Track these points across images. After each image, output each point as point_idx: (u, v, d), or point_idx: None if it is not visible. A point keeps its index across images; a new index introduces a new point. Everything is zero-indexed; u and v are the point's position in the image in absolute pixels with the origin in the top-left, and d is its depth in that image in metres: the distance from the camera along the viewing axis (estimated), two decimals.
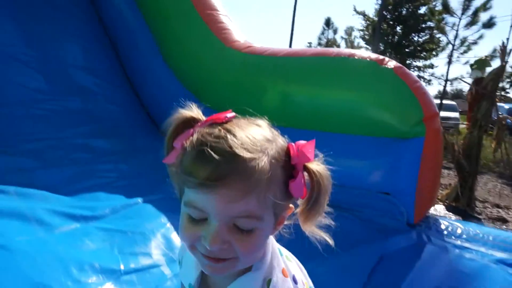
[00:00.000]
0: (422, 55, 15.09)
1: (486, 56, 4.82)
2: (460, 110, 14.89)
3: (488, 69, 4.93)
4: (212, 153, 0.52)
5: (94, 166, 1.87)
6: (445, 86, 12.83)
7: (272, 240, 0.69)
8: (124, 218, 1.50)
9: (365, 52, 2.18)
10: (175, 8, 2.74)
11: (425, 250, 1.75)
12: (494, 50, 10.94)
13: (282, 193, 0.58)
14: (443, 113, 11.96)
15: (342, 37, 16.79)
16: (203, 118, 0.62)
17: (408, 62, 15.23)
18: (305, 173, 0.61)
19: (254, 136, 0.55)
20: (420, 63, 15.16)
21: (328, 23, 17.01)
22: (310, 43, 19.09)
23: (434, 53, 14.69)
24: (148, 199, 1.69)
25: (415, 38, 14.88)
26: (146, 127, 2.85)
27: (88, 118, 2.41)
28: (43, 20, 2.62)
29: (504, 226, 4.11)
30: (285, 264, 0.74)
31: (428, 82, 14.22)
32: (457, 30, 11.40)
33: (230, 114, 0.61)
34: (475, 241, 1.84)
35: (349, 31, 15.16)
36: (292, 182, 0.59)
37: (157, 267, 1.30)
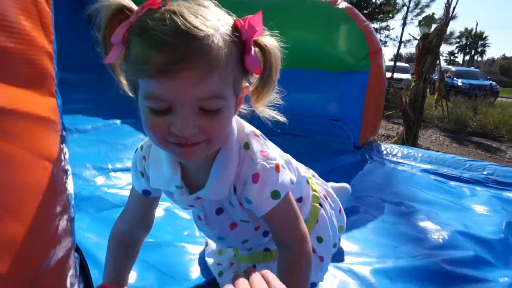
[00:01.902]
0: (379, 17, 15.45)
1: (433, 13, 5.19)
2: (412, 72, 15.72)
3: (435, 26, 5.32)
4: (164, 36, 0.48)
5: (69, 95, 1.99)
6: (399, 48, 13.42)
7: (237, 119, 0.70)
8: (106, 133, 1.67)
9: None
10: None
11: (366, 165, 2.08)
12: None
13: (239, 70, 0.57)
14: (396, 75, 12.62)
15: None
16: (135, 6, 0.57)
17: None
18: (256, 48, 0.59)
19: (202, 14, 0.52)
20: (377, 25, 15.57)
21: None
22: None
23: (390, 15, 15.10)
24: (125, 122, 1.85)
25: (373, 0, 15.16)
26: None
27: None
28: None
29: None
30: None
31: (384, 43, 14.75)
32: None
33: None
34: (407, 158, 2.20)
35: None
36: (247, 57, 0.57)
37: None
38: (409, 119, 5.38)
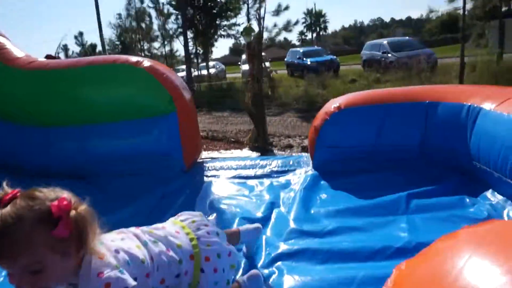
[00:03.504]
0: (228, 14, 16.45)
1: (249, 24, 6.15)
2: (270, 59, 17.33)
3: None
4: None
5: None
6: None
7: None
8: None
9: (126, 57, 2.93)
10: None
11: (192, 183, 2.75)
12: (279, 5, 13.28)
13: (51, 241, 0.87)
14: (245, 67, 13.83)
15: (149, 6, 16.84)
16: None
17: (217, 22, 16.44)
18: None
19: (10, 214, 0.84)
20: (228, 22, 16.60)
21: None
22: (119, 14, 18.54)
23: (237, 12, 16.26)
24: None
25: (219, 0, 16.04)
26: None
27: None
28: None
29: (289, 151, 5.65)
30: (106, 247, 1.02)
31: (236, 38, 15.83)
32: None
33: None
34: (216, 170, 2.94)
35: None
36: (54, 232, 0.86)
37: None
38: (254, 116, 6.24)
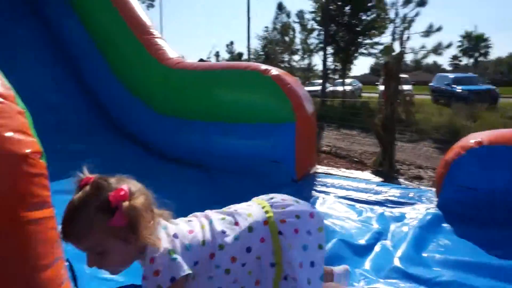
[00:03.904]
0: (372, 32, 15.92)
1: (391, 43, 5.79)
2: (413, 82, 16.06)
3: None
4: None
5: (70, 163, 2.71)
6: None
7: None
8: None
9: (257, 64, 3.08)
10: (119, 35, 3.56)
11: (299, 194, 2.69)
12: (430, 26, 12.13)
13: (110, 228, 0.94)
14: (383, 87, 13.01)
15: (294, 21, 17.53)
16: None
17: (359, 40, 16.08)
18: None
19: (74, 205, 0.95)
20: (370, 40, 16.06)
21: (280, 7, 17.81)
22: (267, 27, 19.86)
23: (382, 30, 15.60)
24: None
25: (364, 17, 15.68)
26: (108, 129, 3.69)
27: (62, 128, 3.22)
28: (18, 53, 3.39)
29: (417, 183, 5.11)
30: (166, 232, 1.03)
31: (377, 58, 15.16)
32: (396, 9, 12.47)
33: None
34: (327, 186, 2.81)
35: (300, 14, 15.96)
36: (110, 219, 0.93)
37: None
38: (383, 140, 5.85)
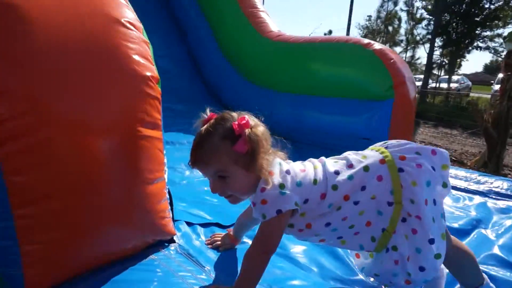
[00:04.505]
0: (494, 23, 14.12)
1: None
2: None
3: None
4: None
5: (176, 120, 2.98)
6: None
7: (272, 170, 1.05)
8: None
9: (358, 38, 2.97)
10: (227, 8, 3.75)
11: None
12: None
13: (233, 154, 1.01)
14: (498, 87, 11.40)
15: (401, 9, 16.30)
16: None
17: (477, 31, 14.41)
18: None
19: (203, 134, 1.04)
20: (491, 32, 14.26)
21: None
22: (369, 16, 18.87)
23: (509, 20, 13.69)
24: None
25: (487, 6, 13.95)
26: (207, 96, 3.96)
27: (169, 90, 3.56)
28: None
29: None
30: (280, 168, 1.07)
31: (496, 52, 13.39)
32: None
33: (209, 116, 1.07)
34: None
35: (409, 1, 14.78)
36: (234, 146, 1.00)
37: None
38: (492, 139, 5.26)
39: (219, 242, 1.44)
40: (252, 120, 1.06)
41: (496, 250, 1.55)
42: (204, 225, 1.64)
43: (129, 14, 1.20)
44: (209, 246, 1.43)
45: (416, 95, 2.88)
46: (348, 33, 17.76)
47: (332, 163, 1.12)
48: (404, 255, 1.03)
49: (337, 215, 1.07)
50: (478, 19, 14.14)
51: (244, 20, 3.59)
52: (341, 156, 1.17)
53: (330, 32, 21.86)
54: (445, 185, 1.05)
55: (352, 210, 1.07)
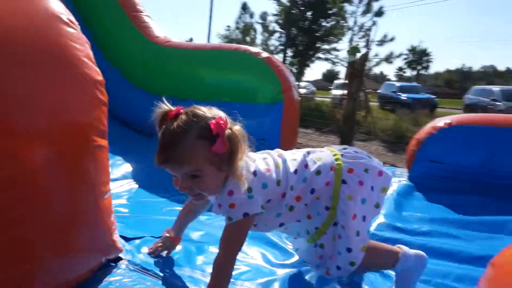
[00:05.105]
0: (330, 39, 16.63)
1: (357, 44, 6.24)
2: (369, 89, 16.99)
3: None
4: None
5: None
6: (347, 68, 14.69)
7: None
8: None
9: (246, 47, 3.23)
10: (109, 12, 3.52)
11: None
12: (385, 36, 13.13)
13: (209, 155, 0.97)
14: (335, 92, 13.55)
15: (257, 22, 17.82)
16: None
17: (318, 45, 16.72)
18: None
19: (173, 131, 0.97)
20: (328, 46, 16.77)
21: (244, 7, 18.01)
22: (228, 26, 19.89)
23: (340, 37, 16.36)
24: None
25: (324, 24, 16.35)
26: None
27: None
28: None
29: None
30: (247, 168, 1.06)
31: (334, 63, 15.92)
32: (355, 18, 13.23)
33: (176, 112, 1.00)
34: None
35: (263, 16, 16.28)
36: (212, 147, 0.96)
37: None
38: (343, 133, 6.25)
39: (161, 249, 1.42)
40: (228, 118, 1.05)
41: (382, 219, 1.95)
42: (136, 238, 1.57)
43: (63, 8, 1.08)
44: (153, 255, 1.39)
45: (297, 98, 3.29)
46: (208, 41, 18.35)
47: (291, 161, 1.18)
48: (328, 254, 1.18)
49: (290, 214, 1.18)
50: (318, 34, 16.46)
51: (130, 25, 3.44)
52: (298, 152, 1.22)
53: (191, 39, 22.09)
54: (377, 205, 1.17)
55: (302, 209, 1.18)
